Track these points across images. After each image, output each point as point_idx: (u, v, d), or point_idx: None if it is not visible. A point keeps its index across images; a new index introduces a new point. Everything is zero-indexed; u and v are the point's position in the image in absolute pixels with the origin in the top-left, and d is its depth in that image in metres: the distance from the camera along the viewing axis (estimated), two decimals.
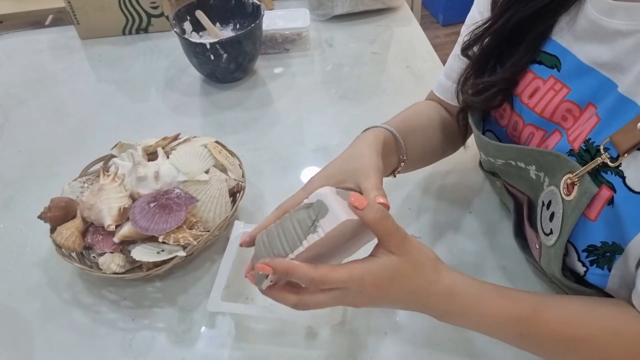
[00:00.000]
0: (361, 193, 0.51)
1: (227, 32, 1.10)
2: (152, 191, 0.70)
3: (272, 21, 1.13)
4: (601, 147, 0.46)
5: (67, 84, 1.11)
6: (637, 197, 0.43)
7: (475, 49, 0.61)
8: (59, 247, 0.67)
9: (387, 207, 0.49)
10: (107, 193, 0.67)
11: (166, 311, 0.66)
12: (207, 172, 0.73)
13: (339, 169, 0.56)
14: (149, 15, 1.20)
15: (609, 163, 0.45)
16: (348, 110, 0.98)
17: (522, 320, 0.48)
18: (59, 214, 0.69)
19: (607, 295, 0.50)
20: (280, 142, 0.92)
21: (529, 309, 0.49)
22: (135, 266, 0.67)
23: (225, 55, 0.98)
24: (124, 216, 0.67)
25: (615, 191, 0.45)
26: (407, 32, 1.20)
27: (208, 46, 0.96)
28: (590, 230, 0.47)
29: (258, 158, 0.87)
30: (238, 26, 1.11)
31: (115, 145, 0.79)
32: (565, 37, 0.54)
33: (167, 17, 1.20)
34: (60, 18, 1.63)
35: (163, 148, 0.77)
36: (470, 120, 0.63)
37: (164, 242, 0.65)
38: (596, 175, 0.46)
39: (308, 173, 0.85)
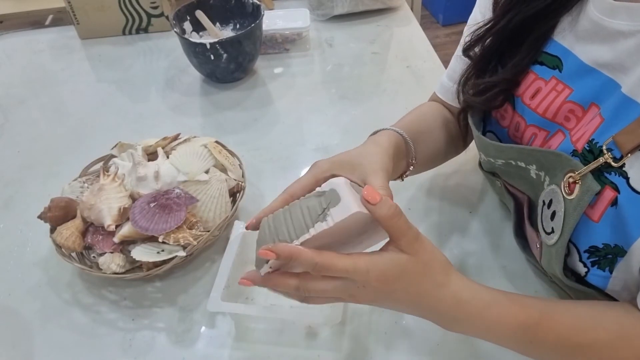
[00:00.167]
0: None
1: (227, 32, 1.10)
2: (152, 191, 0.70)
3: (272, 21, 1.13)
4: (604, 147, 0.45)
5: (67, 84, 1.11)
6: None
7: (476, 49, 0.61)
8: (59, 247, 0.67)
9: None
10: (107, 193, 0.67)
11: (166, 311, 0.66)
12: (207, 172, 0.73)
13: (348, 160, 0.55)
14: (149, 15, 1.20)
15: (612, 163, 0.45)
16: (348, 110, 0.98)
17: (530, 326, 0.47)
18: (59, 214, 0.69)
19: (607, 295, 0.50)
20: (280, 142, 0.91)
21: (537, 314, 0.48)
22: (135, 266, 0.67)
23: (225, 55, 0.98)
24: (124, 216, 0.67)
25: (619, 192, 0.45)
26: (407, 32, 1.20)
27: (208, 46, 0.96)
28: (593, 231, 0.47)
29: (258, 158, 0.87)
30: (238, 26, 1.11)
31: (115, 145, 0.79)
32: (567, 37, 0.54)
33: (167, 17, 1.20)
34: (60, 18, 1.63)
35: (163, 148, 0.77)
36: (469, 121, 0.63)
37: (164, 242, 0.65)
38: (599, 176, 0.46)
39: None
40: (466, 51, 0.61)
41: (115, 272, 0.65)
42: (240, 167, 0.78)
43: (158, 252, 0.66)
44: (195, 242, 0.65)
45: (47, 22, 1.67)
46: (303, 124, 0.96)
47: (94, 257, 0.69)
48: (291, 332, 0.62)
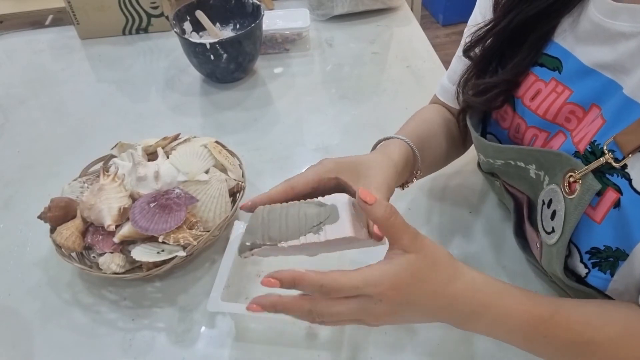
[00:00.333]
0: None
1: (227, 32, 1.10)
2: (152, 191, 0.70)
3: (272, 21, 1.13)
4: (605, 147, 0.45)
5: (67, 84, 1.11)
6: None
7: (477, 50, 0.60)
8: (59, 247, 0.67)
9: None
10: (107, 193, 0.67)
11: (166, 311, 0.66)
12: (207, 172, 0.73)
13: (354, 167, 0.54)
14: (149, 15, 1.20)
15: (613, 163, 0.45)
16: (348, 110, 0.98)
17: (544, 320, 0.46)
18: (59, 214, 0.69)
19: (607, 296, 0.50)
20: (280, 142, 0.92)
21: (549, 308, 0.47)
22: (135, 266, 0.67)
23: (225, 55, 0.98)
24: (124, 216, 0.67)
25: (621, 193, 0.45)
26: (407, 32, 1.20)
27: (208, 46, 0.96)
28: (595, 233, 0.47)
29: (258, 158, 0.87)
30: (238, 26, 1.11)
31: (115, 145, 0.79)
32: (568, 39, 0.53)
33: (167, 17, 1.20)
34: (60, 18, 1.63)
35: (163, 148, 0.77)
36: (468, 123, 0.63)
37: (164, 242, 0.65)
38: (601, 177, 0.46)
39: None
40: (467, 52, 0.61)
41: (115, 272, 0.65)
42: (240, 167, 0.78)
43: (158, 252, 0.66)
44: (195, 242, 0.65)
45: (47, 22, 1.67)
46: (303, 124, 0.96)
47: (94, 257, 0.69)
48: (291, 332, 0.62)
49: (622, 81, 0.47)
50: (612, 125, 0.46)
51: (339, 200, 0.47)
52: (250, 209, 0.51)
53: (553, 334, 0.46)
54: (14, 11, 1.62)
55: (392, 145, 0.60)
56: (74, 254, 0.68)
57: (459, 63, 0.67)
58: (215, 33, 1.07)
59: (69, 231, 0.67)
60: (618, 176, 0.45)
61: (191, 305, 0.66)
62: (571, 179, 0.48)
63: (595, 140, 0.47)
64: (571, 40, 0.53)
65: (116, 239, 0.66)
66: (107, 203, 0.67)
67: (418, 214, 0.76)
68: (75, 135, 0.96)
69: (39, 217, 0.70)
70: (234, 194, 0.74)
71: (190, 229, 0.67)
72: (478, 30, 0.59)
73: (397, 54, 1.12)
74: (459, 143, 0.72)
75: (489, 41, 0.58)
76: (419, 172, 0.63)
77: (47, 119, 1.02)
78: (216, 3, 1.08)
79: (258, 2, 1.05)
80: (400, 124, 0.70)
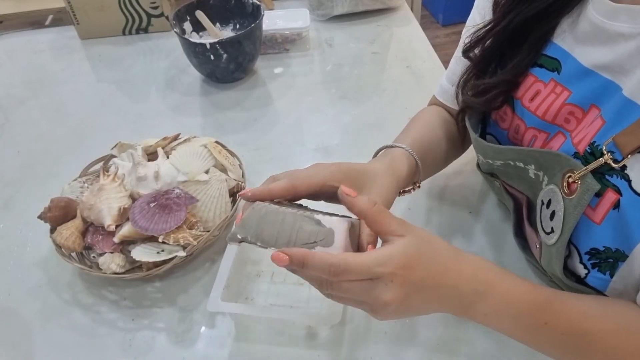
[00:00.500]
0: None
1: (227, 32, 1.10)
2: (152, 191, 0.70)
3: (272, 21, 1.13)
4: (604, 148, 0.45)
5: (67, 84, 1.11)
6: None
7: (476, 50, 0.60)
8: (59, 247, 0.67)
9: None
10: (107, 193, 0.67)
11: (166, 311, 0.66)
12: (207, 172, 0.73)
13: (359, 177, 0.55)
14: (149, 15, 1.21)
15: (612, 164, 0.45)
16: (348, 110, 0.98)
17: (544, 307, 0.46)
18: (59, 214, 0.69)
19: (606, 295, 0.50)
20: (280, 142, 0.92)
21: (548, 295, 0.47)
22: (135, 266, 0.67)
23: (225, 55, 0.98)
24: (124, 216, 0.67)
25: (621, 194, 0.45)
26: (407, 32, 1.20)
27: (208, 46, 0.96)
28: (595, 233, 0.47)
29: (258, 158, 0.88)
30: (238, 26, 1.11)
31: (115, 145, 0.79)
32: (567, 40, 0.53)
33: (167, 17, 1.20)
34: (60, 18, 1.63)
35: (163, 148, 0.77)
36: (467, 124, 0.63)
37: (164, 242, 0.65)
38: (601, 178, 0.46)
39: None
40: (466, 52, 0.61)
41: (115, 272, 0.65)
42: (240, 167, 0.78)
43: (158, 252, 0.66)
44: (195, 242, 0.65)
45: (47, 22, 1.68)
46: (303, 124, 0.96)
47: (94, 257, 0.69)
48: (291, 332, 0.62)
49: (621, 82, 0.47)
50: (611, 126, 0.46)
51: (338, 226, 0.47)
52: (249, 199, 0.50)
53: (553, 322, 0.46)
54: (14, 11, 1.63)
55: (396, 157, 0.60)
56: (74, 254, 0.68)
57: (458, 64, 0.67)
58: (215, 33, 1.07)
59: (69, 231, 0.67)
60: (617, 177, 0.45)
61: (191, 305, 0.66)
62: (570, 180, 0.48)
63: (594, 141, 0.47)
64: (570, 41, 0.53)
65: (116, 239, 0.66)
66: (107, 203, 0.67)
67: (418, 214, 0.76)
68: (75, 135, 0.96)
69: (39, 217, 0.70)
70: (234, 194, 0.74)
71: (190, 229, 0.68)
72: (477, 30, 0.59)
73: (397, 54, 1.12)
74: (458, 144, 0.72)
75: (488, 42, 0.58)
76: (418, 185, 0.64)
77: (47, 119, 1.02)
78: (216, 3, 1.08)
79: (258, 2, 1.05)
80: (400, 123, 0.70)
